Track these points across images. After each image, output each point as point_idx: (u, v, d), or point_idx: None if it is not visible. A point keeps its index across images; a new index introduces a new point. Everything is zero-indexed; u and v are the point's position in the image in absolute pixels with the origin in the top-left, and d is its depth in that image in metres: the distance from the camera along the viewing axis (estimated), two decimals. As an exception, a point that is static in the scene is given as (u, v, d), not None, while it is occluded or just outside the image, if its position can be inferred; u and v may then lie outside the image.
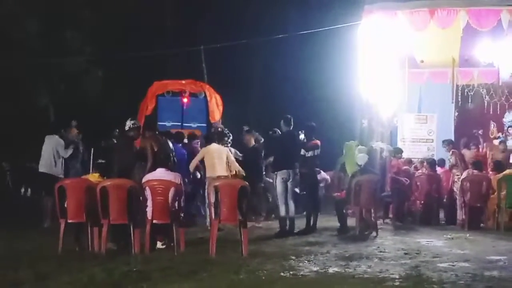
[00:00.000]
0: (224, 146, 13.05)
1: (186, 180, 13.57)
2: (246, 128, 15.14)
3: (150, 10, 25.41)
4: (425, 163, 14.75)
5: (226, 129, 13.92)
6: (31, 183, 14.45)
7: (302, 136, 13.21)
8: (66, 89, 20.53)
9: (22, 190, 14.76)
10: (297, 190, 12.78)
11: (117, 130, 13.96)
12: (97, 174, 10.58)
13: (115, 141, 13.48)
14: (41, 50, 19.15)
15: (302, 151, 12.66)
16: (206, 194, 12.87)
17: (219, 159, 12.72)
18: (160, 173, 10.16)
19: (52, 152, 13.35)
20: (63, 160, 13.46)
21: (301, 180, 12.56)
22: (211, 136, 13.63)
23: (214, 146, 12.95)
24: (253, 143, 14.23)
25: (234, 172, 12.76)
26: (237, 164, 12.88)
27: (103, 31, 21.80)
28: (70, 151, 13.55)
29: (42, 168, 13.44)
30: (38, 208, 13.24)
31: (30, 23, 18.80)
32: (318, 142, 12.95)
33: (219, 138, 13.12)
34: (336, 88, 22.55)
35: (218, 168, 12.65)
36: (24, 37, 18.70)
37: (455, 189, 14.14)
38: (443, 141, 15.07)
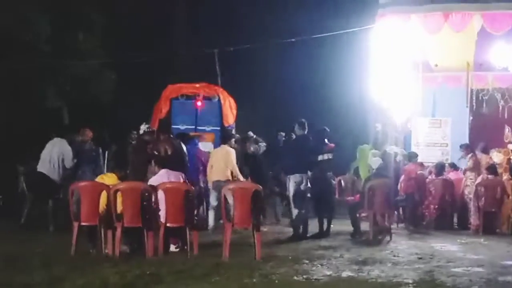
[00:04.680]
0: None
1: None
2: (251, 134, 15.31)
3: (164, 12, 25.49)
4: (431, 168, 14.72)
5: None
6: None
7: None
8: (79, 92, 20.56)
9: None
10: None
11: (135, 132, 13.97)
12: (114, 176, 10.52)
13: (132, 143, 13.51)
14: (53, 52, 19.19)
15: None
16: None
17: (217, 162, 12.87)
18: (163, 175, 10.18)
19: (57, 157, 13.13)
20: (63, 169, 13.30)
21: (312, 184, 12.52)
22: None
23: (219, 148, 13.12)
24: (251, 149, 14.38)
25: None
26: (236, 169, 12.97)
27: (115, 33, 21.84)
28: (73, 162, 13.34)
29: (43, 170, 13.16)
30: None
31: (42, 25, 18.84)
32: (333, 145, 12.94)
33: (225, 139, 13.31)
34: (350, 92, 22.52)
35: (213, 172, 12.81)
36: (36, 39, 18.74)
37: (466, 192, 14.07)
38: (461, 145, 15.00)
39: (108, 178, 10.38)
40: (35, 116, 18.95)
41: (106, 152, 15.07)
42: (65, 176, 13.25)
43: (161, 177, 10.20)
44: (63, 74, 20.06)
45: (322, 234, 12.45)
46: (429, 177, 14.71)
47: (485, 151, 15.14)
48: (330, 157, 12.78)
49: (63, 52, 19.58)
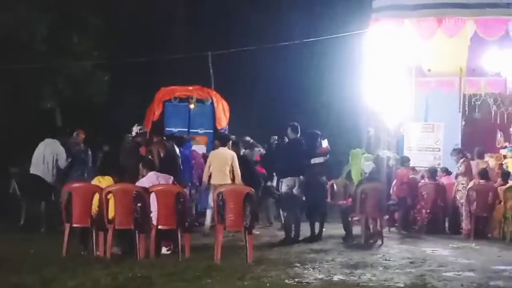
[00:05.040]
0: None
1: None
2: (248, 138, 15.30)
3: (158, 14, 25.48)
4: (423, 172, 14.76)
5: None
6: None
7: (325, 143, 13.14)
8: (73, 93, 20.52)
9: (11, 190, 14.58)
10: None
11: (130, 136, 13.94)
12: (110, 179, 10.40)
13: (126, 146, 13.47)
14: (47, 53, 19.15)
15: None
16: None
17: (220, 166, 12.80)
18: (151, 177, 10.17)
19: (52, 158, 13.06)
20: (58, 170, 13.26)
21: (304, 187, 12.50)
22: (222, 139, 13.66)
23: (220, 150, 13.00)
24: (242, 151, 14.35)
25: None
26: (238, 172, 12.90)
27: (110, 35, 21.83)
28: (67, 163, 13.29)
29: (37, 172, 13.07)
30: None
31: (38, 25, 18.80)
32: (325, 148, 12.94)
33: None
34: (343, 96, 22.54)
35: (216, 175, 12.74)
36: (31, 40, 18.70)
37: (458, 197, 14.11)
38: (453, 150, 15.04)
39: (105, 181, 10.33)
40: (28, 117, 18.91)
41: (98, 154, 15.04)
42: (58, 177, 13.21)
43: (149, 179, 10.19)
44: (58, 75, 20.00)
45: (314, 237, 12.44)
46: (422, 181, 14.73)
47: (481, 156, 15.16)
48: (322, 161, 12.77)
49: (58, 53, 19.54)
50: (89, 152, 14.14)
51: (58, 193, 12.03)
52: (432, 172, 14.51)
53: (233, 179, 12.67)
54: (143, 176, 10.49)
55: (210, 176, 12.79)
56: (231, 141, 13.57)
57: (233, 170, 12.75)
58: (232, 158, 12.80)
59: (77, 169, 13.62)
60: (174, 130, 16.31)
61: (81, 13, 20.65)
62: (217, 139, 13.72)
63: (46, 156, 13.05)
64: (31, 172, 13.13)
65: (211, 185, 12.79)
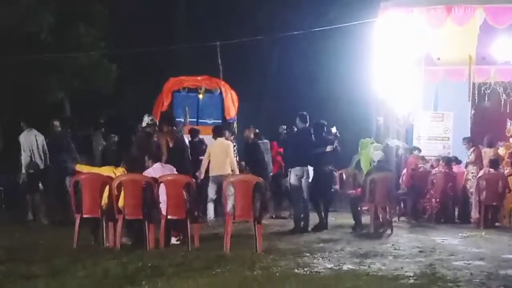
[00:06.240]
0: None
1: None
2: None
3: (166, 5, 25.46)
4: (441, 161, 14.70)
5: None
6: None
7: (334, 130, 13.15)
8: (80, 84, 20.54)
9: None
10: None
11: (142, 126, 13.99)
12: (123, 169, 10.43)
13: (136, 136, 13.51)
14: (54, 45, 19.17)
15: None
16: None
17: (218, 156, 12.91)
18: (158, 168, 10.18)
19: (42, 148, 13.34)
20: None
21: (312, 176, 12.50)
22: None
23: (217, 141, 13.10)
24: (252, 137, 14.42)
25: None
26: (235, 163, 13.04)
27: (117, 26, 21.83)
28: None
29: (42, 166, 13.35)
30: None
31: (44, 17, 18.81)
32: (331, 136, 12.96)
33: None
34: (352, 85, 22.50)
35: (214, 166, 12.83)
36: (37, 32, 18.72)
37: (468, 186, 14.08)
38: (463, 139, 15.00)
39: (118, 172, 10.32)
40: (37, 109, 18.95)
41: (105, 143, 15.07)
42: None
43: (156, 169, 10.19)
44: (65, 66, 20.02)
45: (320, 226, 12.43)
46: (435, 169, 14.69)
47: (491, 145, 15.11)
48: (332, 149, 12.74)
49: (65, 44, 19.56)
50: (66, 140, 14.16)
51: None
52: (448, 161, 14.47)
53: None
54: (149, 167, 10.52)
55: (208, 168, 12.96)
56: (227, 131, 13.69)
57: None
58: (228, 147, 12.93)
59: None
60: (183, 120, 16.32)
61: (87, 2, 20.66)
62: (212, 130, 13.82)
63: (39, 147, 13.24)
64: (41, 168, 13.23)
65: (211, 176, 12.92)
